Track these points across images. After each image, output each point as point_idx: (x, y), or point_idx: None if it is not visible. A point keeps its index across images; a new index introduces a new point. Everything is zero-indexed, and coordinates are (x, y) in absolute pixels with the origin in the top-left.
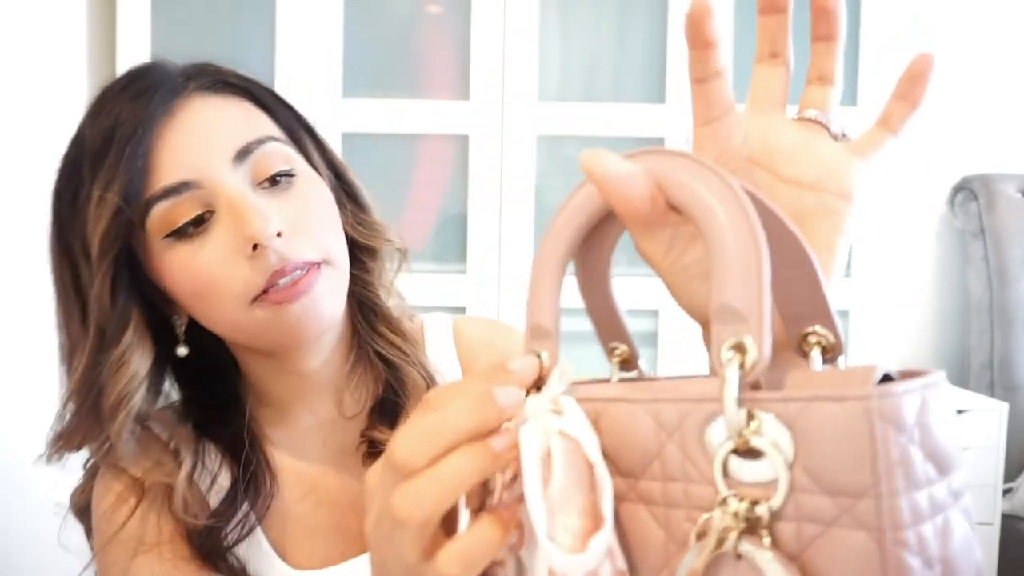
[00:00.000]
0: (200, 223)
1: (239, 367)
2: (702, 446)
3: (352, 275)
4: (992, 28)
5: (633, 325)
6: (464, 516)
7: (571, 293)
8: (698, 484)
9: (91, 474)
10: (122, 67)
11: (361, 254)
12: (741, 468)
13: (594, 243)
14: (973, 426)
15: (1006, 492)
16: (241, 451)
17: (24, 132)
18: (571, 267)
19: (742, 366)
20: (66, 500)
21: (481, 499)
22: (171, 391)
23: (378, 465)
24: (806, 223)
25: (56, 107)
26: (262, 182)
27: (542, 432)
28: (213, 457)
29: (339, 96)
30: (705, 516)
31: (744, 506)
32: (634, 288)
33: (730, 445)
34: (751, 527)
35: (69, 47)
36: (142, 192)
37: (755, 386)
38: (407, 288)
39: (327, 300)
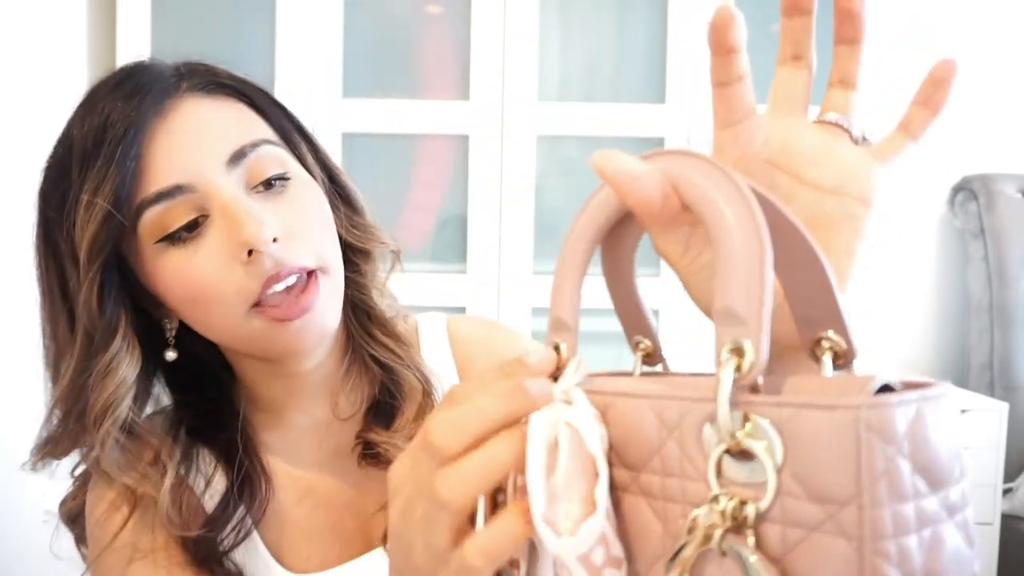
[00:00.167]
0: (193, 228)
1: (232, 370)
2: (699, 444)
3: (346, 278)
4: (992, 28)
5: None
6: (480, 511)
7: (590, 293)
8: (694, 481)
9: (82, 481)
10: None
11: (354, 256)
12: (734, 468)
13: (617, 241)
14: (973, 426)
15: (1006, 492)
16: (236, 455)
17: (24, 132)
18: (594, 267)
19: (739, 369)
20: (55, 508)
21: (494, 497)
22: (161, 396)
23: (405, 457)
24: (825, 227)
25: (56, 107)
26: (256, 186)
27: (551, 421)
28: (208, 461)
29: (339, 96)
30: (695, 512)
31: (732, 504)
32: None
33: (723, 446)
34: (738, 526)
35: (69, 46)
36: (133, 195)
37: (754, 389)
38: (407, 288)
39: (326, 314)
